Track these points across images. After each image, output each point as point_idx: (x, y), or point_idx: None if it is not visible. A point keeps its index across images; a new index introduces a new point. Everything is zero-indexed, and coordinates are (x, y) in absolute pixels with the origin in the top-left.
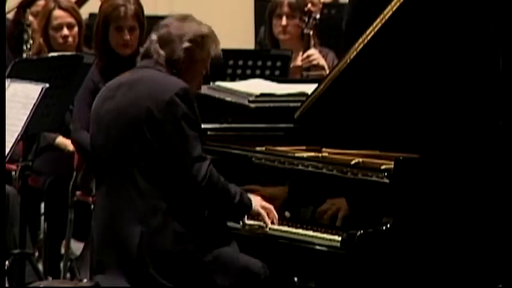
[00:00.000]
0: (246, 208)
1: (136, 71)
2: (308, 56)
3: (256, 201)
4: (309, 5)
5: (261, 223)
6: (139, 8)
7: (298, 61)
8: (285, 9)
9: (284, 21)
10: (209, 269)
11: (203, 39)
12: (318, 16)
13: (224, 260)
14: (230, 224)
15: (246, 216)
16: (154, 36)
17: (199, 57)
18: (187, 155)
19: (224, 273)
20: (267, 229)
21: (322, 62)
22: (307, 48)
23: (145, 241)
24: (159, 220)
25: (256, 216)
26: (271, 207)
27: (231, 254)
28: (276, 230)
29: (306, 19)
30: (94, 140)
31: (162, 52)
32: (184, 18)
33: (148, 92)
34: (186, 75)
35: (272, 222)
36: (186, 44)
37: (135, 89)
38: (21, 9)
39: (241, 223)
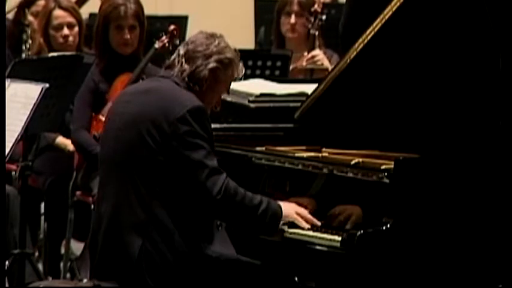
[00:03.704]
0: (275, 217)
1: (155, 80)
2: (313, 57)
3: (289, 208)
4: (316, 6)
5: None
6: (139, 7)
7: (304, 62)
8: (295, 7)
9: (293, 19)
10: (208, 279)
11: (229, 62)
12: (324, 17)
13: (225, 269)
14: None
15: (278, 225)
16: (181, 51)
17: (223, 79)
18: (202, 168)
19: (224, 283)
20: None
21: (326, 63)
22: (312, 48)
23: (144, 254)
24: (160, 232)
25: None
26: (305, 211)
27: (232, 259)
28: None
29: (312, 19)
30: (103, 139)
31: (186, 67)
32: (213, 36)
33: (161, 104)
34: (207, 94)
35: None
36: (213, 64)
37: (149, 98)
38: (21, 9)
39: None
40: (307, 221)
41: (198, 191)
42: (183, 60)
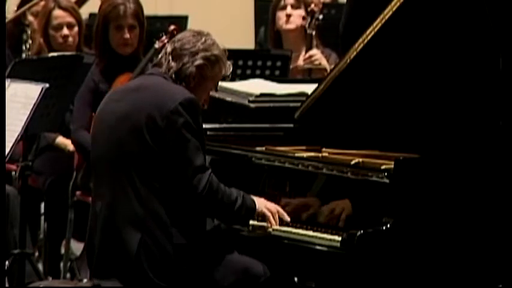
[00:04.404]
0: (250, 211)
1: (144, 78)
2: (310, 56)
3: (261, 203)
4: (312, 5)
5: (265, 224)
6: (138, 7)
7: (301, 61)
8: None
9: (289, 9)
10: (209, 273)
11: (216, 59)
12: (321, 17)
13: (224, 263)
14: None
15: (252, 218)
16: (168, 49)
17: (210, 75)
18: (189, 165)
19: (225, 276)
20: (270, 230)
21: (324, 62)
22: (310, 48)
23: (143, 249)
24: (158, 225)
25: (262, 217)
26: (276, 207)
27: (231, 257)
28: (276, 230)
29: (309, 19)
30: (95, 139)
31: (173, 64)
32: (200, 34)
33: (153, 99)
34: (195, 91)
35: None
36: (199, 61)
37: (141, 95)
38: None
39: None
40: (274, 216)
41: (184, 187)
42: (170, 58)
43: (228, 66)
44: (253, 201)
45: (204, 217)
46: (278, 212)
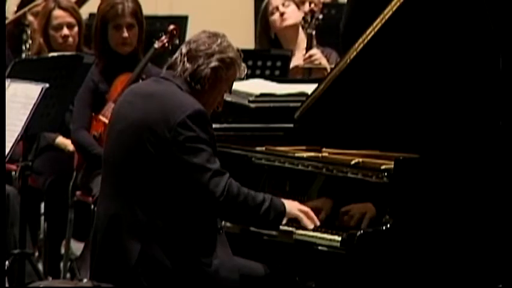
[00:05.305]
0: (279, 214)
1: (157, 82)
2: (310, 56)
3: (292, 206)
4: (312, 5)
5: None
6: (137, 6)
7: (299, 60)
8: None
9: (281, 8)
10: (208, 282)
11: (231, 61)
12: (320, 16)
13: (224, 271)
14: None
15: (282, 222)
16: (183, 50)
17: (225, 77)
18: (203, 171)
19: (224, 284)
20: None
21: (324, 62)
22: (310, 48)
23: (142, 261)
24: (159, 238)
25: (292, 221)
26: (308, 210)
27: (231, 264)
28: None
29: (309, 19)
30: (106, 140)
31: (188, 66)
32: (216, 35)
33: (162, 110)
34: (210, 94)
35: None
36: (215, 63)
37: (151, 104)
38: (21, 9)
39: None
40: (309, 219)
41: (201, 193)
42: (185, 59)
43: (243, 69)
44: (283, 204)
45: (214, 230)
46: (308, 214)
